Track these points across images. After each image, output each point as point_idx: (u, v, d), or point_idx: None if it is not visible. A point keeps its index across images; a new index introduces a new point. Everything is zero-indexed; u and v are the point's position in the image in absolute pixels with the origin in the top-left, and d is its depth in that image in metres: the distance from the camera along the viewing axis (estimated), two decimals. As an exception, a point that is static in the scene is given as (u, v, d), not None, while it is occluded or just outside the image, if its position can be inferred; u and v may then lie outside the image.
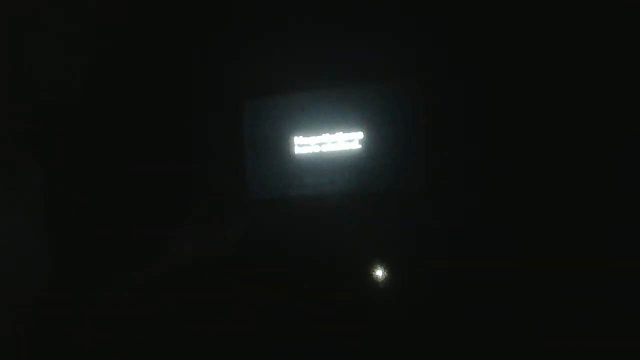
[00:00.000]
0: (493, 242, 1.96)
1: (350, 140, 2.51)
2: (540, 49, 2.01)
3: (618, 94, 1.87)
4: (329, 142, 2.55)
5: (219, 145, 2.60)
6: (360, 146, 2.49)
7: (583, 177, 1.94)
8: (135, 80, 2.22)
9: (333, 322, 1.80)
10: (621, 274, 1.71)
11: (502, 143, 2.08)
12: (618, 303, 1.63)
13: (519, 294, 1.79)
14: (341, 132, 2.52)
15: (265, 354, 1.73)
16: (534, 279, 1.83)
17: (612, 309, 1.62)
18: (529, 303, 1.75)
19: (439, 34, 2.13)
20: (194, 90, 2.52)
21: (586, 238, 1.85)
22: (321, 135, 2.56)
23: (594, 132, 1.93)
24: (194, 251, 2.22)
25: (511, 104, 2.06)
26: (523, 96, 2.03)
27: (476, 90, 2.13)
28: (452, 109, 2.20)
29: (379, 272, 2.23)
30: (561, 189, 1.96)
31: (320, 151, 2.56)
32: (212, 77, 2.51)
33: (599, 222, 1.87)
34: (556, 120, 1.99)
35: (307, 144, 2.58)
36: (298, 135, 2.56)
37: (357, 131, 2.48)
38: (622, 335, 1.52)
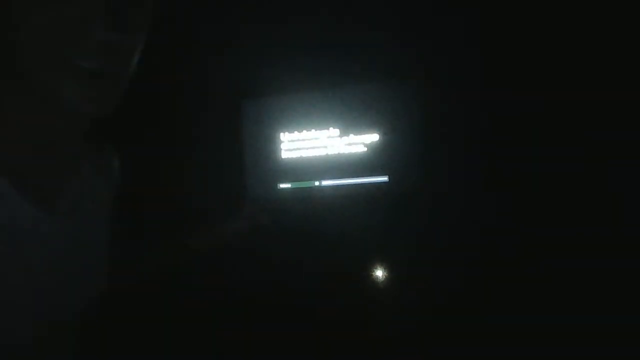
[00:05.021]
0: (494, 241, 1.96)
1: (351, 140, 2.50)
2: (541, 49, 2.01)
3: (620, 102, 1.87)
4: (330, 142, 2.54)
5: (219, 144, 2.60)
6: (363, 146, 2.49)
7: (585, 179, 1.95)
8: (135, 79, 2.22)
9: (333, 324, 1.80)
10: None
11: (501, 142, 2.08)
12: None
13: (519, 294, 1.80)
14: (340, 132, 2.51)
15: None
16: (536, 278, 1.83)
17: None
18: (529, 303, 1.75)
19: (437, 34, 2.13)
20: (193, 89, 2.51)
21: (588, 239, 1.85)
22: (322, 134, 2.55)
23: (595, 131, 1.93)
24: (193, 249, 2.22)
25: (510, 104, 2.06)
26: (523, 96, 2.03)
27: (475, 90, 2.13)
28: (452, 109, 2.20)
29: (379, 272, 2.23)
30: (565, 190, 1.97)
31: (322, 151, 2.56)
32: (211, 77, 2.50)
33: (600, 223, 1.87)
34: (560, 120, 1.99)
35: (308, 142, 2.58)
36: (300, 134, 2.56)
37: (358, 131, 2.48)
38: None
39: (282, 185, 2.70)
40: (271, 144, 2.67)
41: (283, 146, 2.64)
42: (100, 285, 0.50)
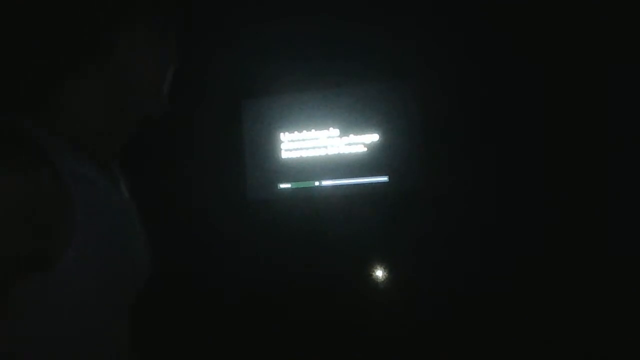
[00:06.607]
0: (494, 241, 1.96)
1: (351, 140, 2.50)
2: (541, 49, 2.01)
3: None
4: (330, 142, 2.54)
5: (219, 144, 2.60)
6: (363, 146, 2.49)
7: (586, 179, 1.95)
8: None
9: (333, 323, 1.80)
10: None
11: (496, 142, 2.08)
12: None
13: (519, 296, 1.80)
14: (340, 132, 2.52)
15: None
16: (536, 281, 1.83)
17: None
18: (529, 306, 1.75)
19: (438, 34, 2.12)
20: (193, 89, 2.51)
21: (589, 240, 1.85)
22: (322, 134, 2.56)
23: (596, 132, 1.93)
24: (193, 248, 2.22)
25: (510, 104, 2.06)
26: (524, 95, 2.03)
27: (475, 90, 2.13)
28: (452, 109, 2.20)
29: (379, 272, 2.23)
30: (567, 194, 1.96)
31: (322, 151, 2.56)
32: (211, 77, 2.50)
33: (603, 224, 1.87)
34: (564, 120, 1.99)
35: (308, 142, 2.58)
36: (300, 134, 2.56)
37: (358, 131, 2.48)
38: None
39: (282, 186, 2.70)
40: (271, 144, 2.67)
41: (283, 146, 2.64)
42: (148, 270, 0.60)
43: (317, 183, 2.58)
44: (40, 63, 0.46)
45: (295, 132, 2.60)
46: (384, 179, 2.44)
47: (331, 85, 2.48)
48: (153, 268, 0.55)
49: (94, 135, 0.48)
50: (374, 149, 2.47)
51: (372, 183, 2.46)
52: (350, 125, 2.51)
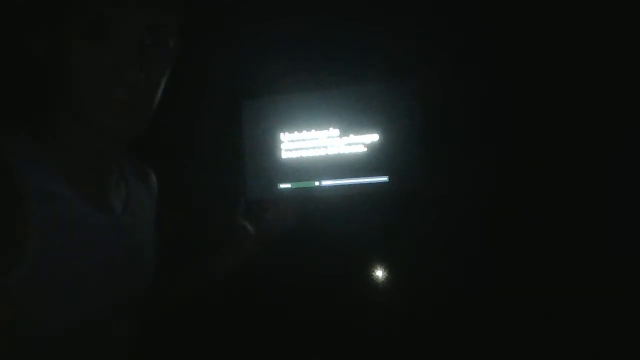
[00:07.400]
0: (495, 241, 1.96)
1: (351, 140, 2.50)
2: (543, 49, 2.01)
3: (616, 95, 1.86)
4: (330, 142, 2.54)
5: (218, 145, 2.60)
6: (363, 146, 2.48)
7: (585, 177, 1.95)
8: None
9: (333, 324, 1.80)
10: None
11: (494, 143, 2.08)
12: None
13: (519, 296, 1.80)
14: (340, 132, 2.51)
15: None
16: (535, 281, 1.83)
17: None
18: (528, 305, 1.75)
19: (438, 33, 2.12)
20: (192, 90, 2.51)
21: (591, 238, 1.85)
22: (322, 134, 2.55)
23: (596, 130, 1.93)
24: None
25: (511, 104, 2.05)
26: (524, 95, 2.03)
27: (475, 90, 2.13)
28: (452, 108, 2.19)
29: (379, 272, 2.23)
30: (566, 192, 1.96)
31: (322, 151, 2.56)
32: (211, 77, 2.50)
33: (601, 221, 1.87)
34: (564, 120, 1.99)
35: (308, 142, 2.58)
36: (300, 134, 2.55)
37: (358, 131, 2.47)
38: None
39: (282, 185, 2.68)
40: (271, 144, 2.65)
41: (283, 146, 2.63)
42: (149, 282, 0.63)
43: (317, 183, 2.58)
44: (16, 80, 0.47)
45: (295, 132, 2.58)
46: (384, 179, 2.43)
47: (331, 85, 2.47)
48: (147, 275, 0.54)
49: (71, 149, 0.48)
50: (374, 149, 2.45)
51: (372, 183, 2.45)
52: (350, 125, 2.49)
